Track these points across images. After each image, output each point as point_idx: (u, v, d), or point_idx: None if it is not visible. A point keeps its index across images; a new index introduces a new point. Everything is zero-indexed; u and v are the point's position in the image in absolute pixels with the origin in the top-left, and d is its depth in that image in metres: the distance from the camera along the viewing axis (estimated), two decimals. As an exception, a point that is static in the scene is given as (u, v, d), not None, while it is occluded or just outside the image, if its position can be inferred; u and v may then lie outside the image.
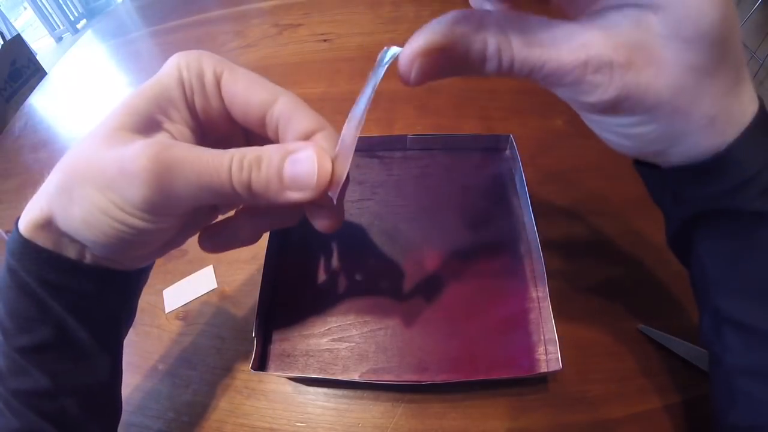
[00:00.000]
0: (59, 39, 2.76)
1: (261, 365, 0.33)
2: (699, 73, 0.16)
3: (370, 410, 0.32)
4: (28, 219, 0.20)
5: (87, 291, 0.22)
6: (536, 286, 0.35)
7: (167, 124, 0.21)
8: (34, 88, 0.70)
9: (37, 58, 1.29)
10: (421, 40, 0.17)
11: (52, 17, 2.70)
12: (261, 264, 0.35)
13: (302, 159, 0.19)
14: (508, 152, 0.43)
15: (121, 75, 0.69)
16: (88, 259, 0.22)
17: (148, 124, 0.20)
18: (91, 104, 0.63)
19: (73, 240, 0.21)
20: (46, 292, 0.21)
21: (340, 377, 0.32)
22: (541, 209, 0.35)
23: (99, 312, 0.23)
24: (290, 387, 0.33)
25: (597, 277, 0.36)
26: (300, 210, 0.23)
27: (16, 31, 2.49)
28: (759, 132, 0.18)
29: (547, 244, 0.33)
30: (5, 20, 2.53)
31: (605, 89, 0.16)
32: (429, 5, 0.68)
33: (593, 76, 0.16)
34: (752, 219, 0.19)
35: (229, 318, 0.37)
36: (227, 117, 0.22)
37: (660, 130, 0.18)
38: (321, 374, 0.33)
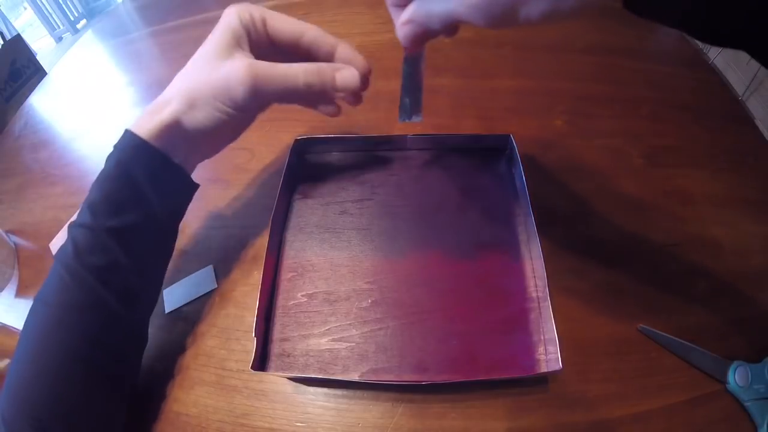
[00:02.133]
0: (59, 39, 2.76)
1: (261, 365, 0.33)
2: None
3: (370, 410, 0.32)
4: (149, 127, 0.29)
5: (173, 187, 0.32)
6: (536, 286, 0.35)
7: (243, 49, 0.32)
8: (34, 88, 0.70)
9: (37, 58, 1.29)
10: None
11: (52, 17, 2.70)
12: (261, 264, 0.35)
13: (347, 74, 0.33)
14: (508, 152, 0.43)
15: (121, 75, 0.69)
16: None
17: (234, 49, 0.31)
18: (91, 104, 0.63)
19: (178, 148, 0.31)
20: (149, 183, 0.30)
21: (340, 377, 0.32)
22: (541, 209, 0.35)
23: (175, 204, 0.34)
24: (290, 387, 0.33)
25: (597, 277, 0.36)
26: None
27: (16, 31, 2.49)
28: None
29: (547, 244, 0.33)
30: (5, 20, 2.53)
31: None
32: (429, 5, 0.67)
33: None
34: None
35: (229, 318, 0.37)
36: (269, 45, 0.34)
37: None
38: (321, 374, 0.33)
